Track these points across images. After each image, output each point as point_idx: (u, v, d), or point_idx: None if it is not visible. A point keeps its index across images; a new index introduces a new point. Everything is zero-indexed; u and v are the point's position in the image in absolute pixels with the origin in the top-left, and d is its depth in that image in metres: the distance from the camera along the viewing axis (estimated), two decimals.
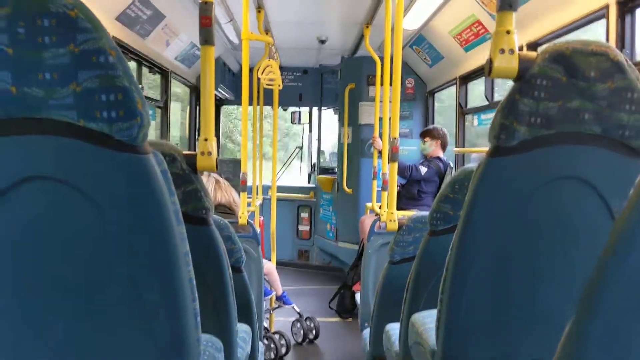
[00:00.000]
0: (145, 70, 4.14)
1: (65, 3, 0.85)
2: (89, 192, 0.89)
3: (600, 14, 2.58)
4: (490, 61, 1.16)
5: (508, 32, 1.16)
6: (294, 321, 4.42)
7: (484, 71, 1.21)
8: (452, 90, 4.97)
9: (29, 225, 0.91)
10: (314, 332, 4.42)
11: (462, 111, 4.74)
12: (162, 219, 0.92)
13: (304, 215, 6.87)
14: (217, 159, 1.50)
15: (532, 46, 3.24)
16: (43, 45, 0.85)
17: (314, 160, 7.48)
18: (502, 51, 1.15)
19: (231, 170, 5.42)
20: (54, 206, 0.91)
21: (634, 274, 0.59)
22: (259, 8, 4.19)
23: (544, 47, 1.15)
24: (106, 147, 0.89)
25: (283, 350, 4.04)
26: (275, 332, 4.12)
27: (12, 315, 0.95)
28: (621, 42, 2.46)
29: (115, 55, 0.87)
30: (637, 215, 0.58)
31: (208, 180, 3.28)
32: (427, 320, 1.67)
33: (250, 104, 4.64)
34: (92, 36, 0.86)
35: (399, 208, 4.45)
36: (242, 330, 2.02)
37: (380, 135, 3.95)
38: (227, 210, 3.29)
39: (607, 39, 2.50)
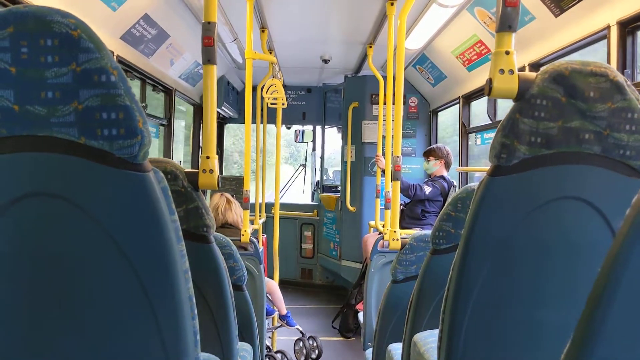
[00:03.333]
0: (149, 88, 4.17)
1: (68, 23, 0.86)
2: (89, 208, 0.90)
3: (602, 35, 2.60)
4: (489, 81, 1.17)
5: (507, 52, 1.17)
6: (296, 340, 4.39)
7: (484, 91, 1.21)
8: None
9: (29, 241, 0.91)
10: (316, 351, 4.38)
11: (465, 130, 4.75)
12: (162, 236, 0.92)
13: (308, 233, 6.85)
14: (218, 176, 1.51)
15: (535, 66, 3.26)
16: (45, 64, 0.86)
17: (317, 178, 7.49)
18: (502, 71, 1.16)
19: (234, 187, 5.43)
20: (54, 222, 0.91)
21: (630, 295, 0.59)
22: (263, 28, 4.23)
23: (543, 67, 1.16)
24: (107, 165, 0.90)
25: None
26: (277, 351, 4.08)
27: (12, 329, 0.95)
28: (622, 63, 2.47)
29: (117, 74, 0.88)
30: (634, 234, 0.58)
31: (220, 199, 3.32)
32: (429, 340, 1.65)
33: (254, 122, 4.66)
34: (94, 56, 0.87)
35: (402, 227, 4.46)
36: (243, 349, 2.01)
37: (384, 154, 3.95)
38: (233, 228, 3.31)
39: (609, 60, 2.51)
